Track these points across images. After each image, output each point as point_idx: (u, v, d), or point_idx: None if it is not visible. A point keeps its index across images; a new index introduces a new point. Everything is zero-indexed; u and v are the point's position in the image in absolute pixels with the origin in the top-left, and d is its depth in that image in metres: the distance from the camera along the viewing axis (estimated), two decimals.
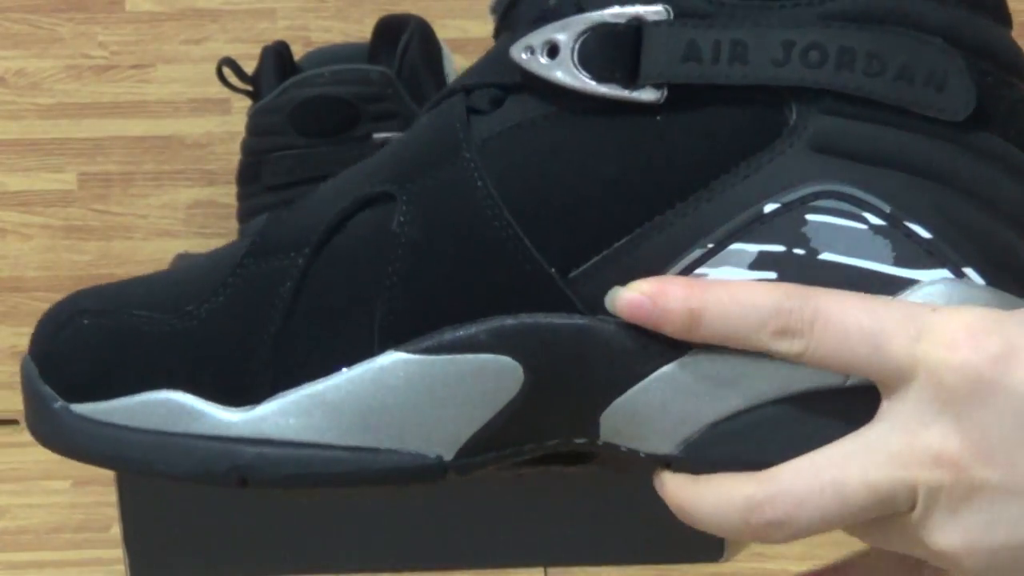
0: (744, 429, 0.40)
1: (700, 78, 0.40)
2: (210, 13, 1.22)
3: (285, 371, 0.41)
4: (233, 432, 0.41)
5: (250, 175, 1.07)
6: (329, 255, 0.42)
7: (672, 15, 0.40)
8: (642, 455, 0.42)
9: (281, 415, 0.41)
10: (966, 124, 0.40)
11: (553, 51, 0.41)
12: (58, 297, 0.48)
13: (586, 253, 0.41)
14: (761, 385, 0.40)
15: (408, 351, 0.40)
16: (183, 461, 0.41)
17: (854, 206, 0.40)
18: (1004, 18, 0.42)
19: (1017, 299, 0.41)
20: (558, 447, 0.43)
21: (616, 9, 0.41)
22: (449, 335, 0.40)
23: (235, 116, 1.21)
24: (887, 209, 0.40)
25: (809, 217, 0.40)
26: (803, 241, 0.40)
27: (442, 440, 0.41)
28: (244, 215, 1.08)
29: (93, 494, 1.23)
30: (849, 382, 0.40)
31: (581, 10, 0.41)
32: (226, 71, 1.07)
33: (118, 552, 1.11)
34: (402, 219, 0.41)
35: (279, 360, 0.41)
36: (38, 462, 1.30)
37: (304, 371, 0.41)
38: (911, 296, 0.40)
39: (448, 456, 0.41)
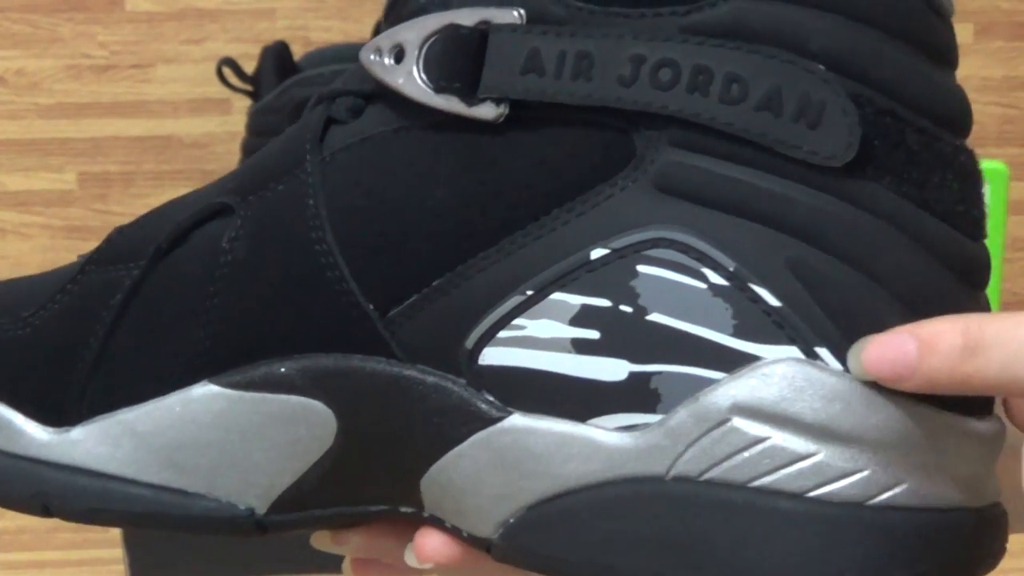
0: (558, 517, 0.35)
1: (539, 95, 0.35)
2: (210, 13, 1.22)
3: (102, 393, 0.38)
4: (43, 454, 0.37)
5: None
6: (164, 269, 0.38)
7: (524, 20, 0.35)
8: (464, 535, 0.36)
9: (91, 441, 0.37)
10: (847, 171, 0.34)
11: (400, 55, 0.36)
12: None
13: (406, 291, 0.36)
14: (582, 466, 0.34)
15: (219, 384, 0.37)
16: None
17: (693, 259, 0.34)
18: (933, 50, 0.35)
19: (874, 393, 0.34)
20: (387, 515, 0.38)
21: (467, 10, 0.35)
22: (262, 370, 0.36)
23: (235, 116, 1.21)
24: (731, 267, 0.34)
25: (640, 268, 0.34)
26: (631, 296, 0.34)
27: (253, 491, 0.37)
28: None
29: None
30: (672, 473, 0.34)
31: (447, 7, 0.36)
32: (226, 71, 1.07)
33: (118, 552, 1.11)
34: (233, 235, 0.37)
35: (98, 380, 0.38)
36: None
37: (121, 395, 0.38)
38: (746, 376, 0.34)
39: (261, 510, 0.37)
